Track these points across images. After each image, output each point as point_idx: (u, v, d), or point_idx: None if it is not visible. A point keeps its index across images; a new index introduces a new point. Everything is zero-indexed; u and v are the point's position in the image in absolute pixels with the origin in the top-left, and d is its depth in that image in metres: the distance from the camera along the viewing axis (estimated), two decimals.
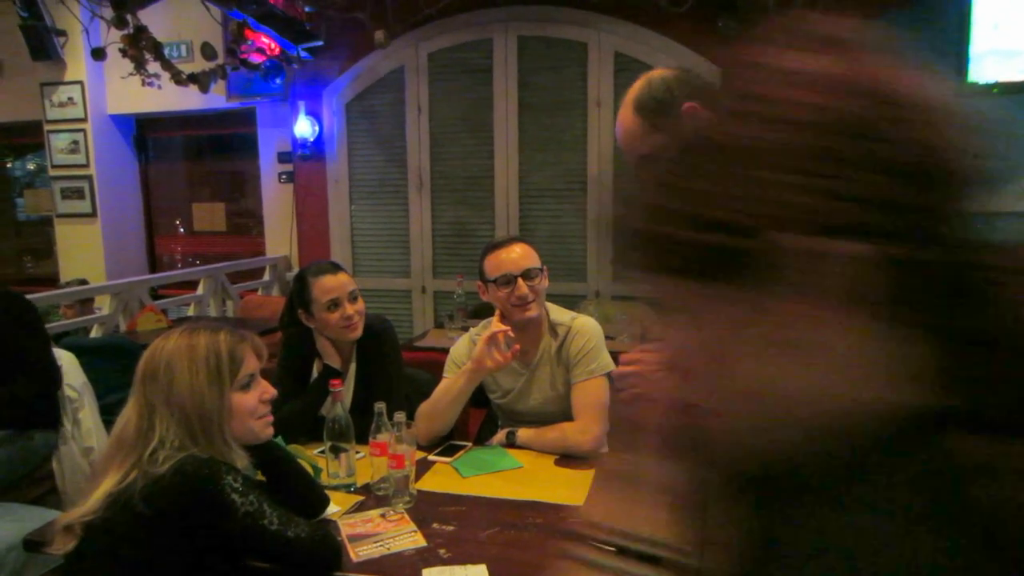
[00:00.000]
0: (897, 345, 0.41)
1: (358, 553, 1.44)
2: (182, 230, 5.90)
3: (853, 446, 0.43)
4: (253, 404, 1.38)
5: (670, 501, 0.57)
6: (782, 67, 0.43)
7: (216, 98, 5.05)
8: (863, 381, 0.42)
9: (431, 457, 1.94)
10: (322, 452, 1.79)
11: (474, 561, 1.40)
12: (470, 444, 2.04)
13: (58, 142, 5.31)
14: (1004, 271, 0.43)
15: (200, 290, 4.65)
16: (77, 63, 5.17)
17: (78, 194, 5.35)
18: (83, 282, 4.31)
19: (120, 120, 5.53)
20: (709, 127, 0.45)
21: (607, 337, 2.15)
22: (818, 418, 0.43)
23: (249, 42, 4.57)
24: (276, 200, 5.27)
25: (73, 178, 5.32)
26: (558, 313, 2.11)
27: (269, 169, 5.25)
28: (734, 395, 0.46)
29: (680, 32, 4.12)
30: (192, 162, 5.90)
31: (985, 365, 0.41)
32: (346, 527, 1.55)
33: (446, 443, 2.02)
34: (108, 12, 3.81)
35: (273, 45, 4.58)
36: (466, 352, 2.07)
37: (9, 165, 6.31)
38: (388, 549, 1.46)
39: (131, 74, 4.10)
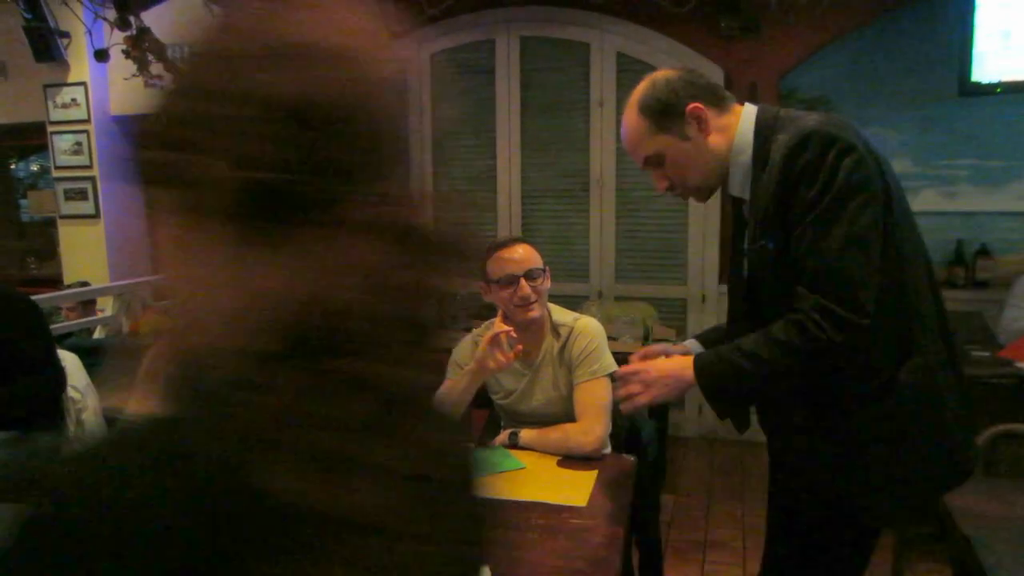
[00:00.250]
0: (260, 266, 0.45)
1: None
2: None
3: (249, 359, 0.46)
4: None
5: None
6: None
7: None
8: (240, 299, 0.46)
9: None
10: None
11: None
12: (472, 445, 2.04)
13: (61, 143, 5.32)
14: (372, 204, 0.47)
15: None
16: (80, 65, 5.18)
17: (81, 195, 5.35)
18: (84, 284, 4.32)
19: (124, 121, 5.54)
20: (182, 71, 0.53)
21: (609, 338, 2.15)
22: (233, 329, 0.46)
23: None
24: None
25: (76, 179, 5.33)
26: (560, 314, 2.11)
27: None
28: (196, 306, 0.50)
29: (682, 32, 4.12)
30: None
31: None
32: None
33: None
34: (111, 14, 3.82)
35: None
36: (468, 353, 2.07)
37: (13, 166, 6.33)
38: None
39: (134, 75, 4.10)
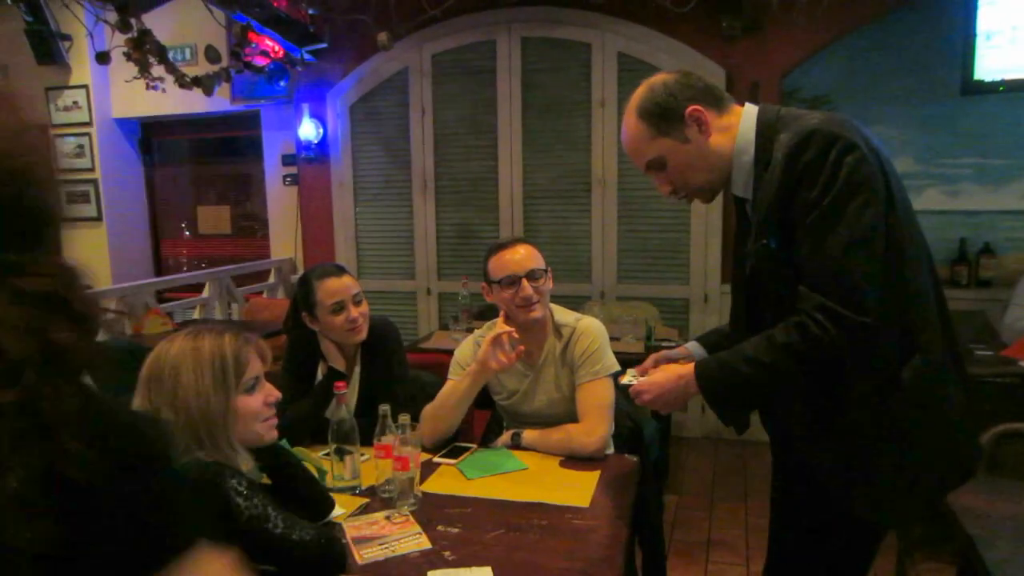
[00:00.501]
0: None
1: (363, 555, 1.44)
2: (187, 233, 5.91)
3: None
4: (258, 407, 1.38)
5: None
6: None
7: (220, 101, 5.06)
8: None
9: (436, 459, 1.94)
10: (327, 455, 1.79)
11: (479, 563, 1.40)
12: (475, 446, 2.04)
13: (63, 146, 5.33)
14: None
15: (205, 293, 4.66)
16: (82, 67, 5.19)
17: (83, 198, 5.36)
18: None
19: (125, 123, 5.55)
20: None
21: (612, 338, 2.14)
22: None
23: (253, 45, 4.58)
24: (281, 202, 5.28)
25: (78, 182, 5.34)
26: (562, 314, 2.11)
27: (273, 171, 5.26)
28: None
29: (684, 32, 4.12)
30: (197, 165, 5.91)
31: None
32: (351, 529, 1.55)
33: (451, 445, 2.02)
34: (112, 16, 3.82)
35: (277, 48, 4.59)
36: (471, 353, 2.07)
37: None
38: (393, 551, 1.46)
39: (135, 78, 4.10)
